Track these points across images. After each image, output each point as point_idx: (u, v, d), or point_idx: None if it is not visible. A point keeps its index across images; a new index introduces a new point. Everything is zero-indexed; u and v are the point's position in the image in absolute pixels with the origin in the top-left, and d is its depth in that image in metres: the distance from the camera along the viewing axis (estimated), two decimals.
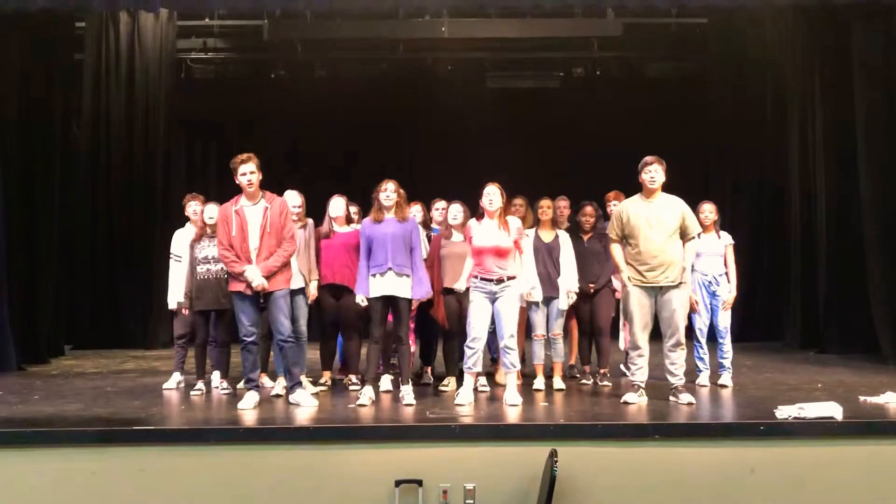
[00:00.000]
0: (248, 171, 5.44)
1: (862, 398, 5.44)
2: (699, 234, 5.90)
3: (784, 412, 4.77)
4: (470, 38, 10.55)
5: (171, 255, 6.58)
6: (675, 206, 5.53)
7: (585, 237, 6.44)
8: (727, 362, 6.27)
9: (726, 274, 6.30)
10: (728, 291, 6.26)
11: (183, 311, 6.30)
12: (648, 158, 5.57)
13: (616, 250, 5.65)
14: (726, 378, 6.23)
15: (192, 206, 6.48)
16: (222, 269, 5.87)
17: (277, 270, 5.43)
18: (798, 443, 4.65)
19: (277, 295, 5.46)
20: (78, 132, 10.10)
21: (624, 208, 5.64)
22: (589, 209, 6.50)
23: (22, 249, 8.22)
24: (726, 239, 6.34)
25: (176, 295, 6.42)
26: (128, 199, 10.06)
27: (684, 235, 5.53)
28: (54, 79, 8.78)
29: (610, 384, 6.28)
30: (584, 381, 6.46)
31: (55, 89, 8.80)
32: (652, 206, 5.51)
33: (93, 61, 10.12)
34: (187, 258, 6.23)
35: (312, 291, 6.10)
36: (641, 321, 5.49)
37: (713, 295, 6.27)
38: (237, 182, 5.50)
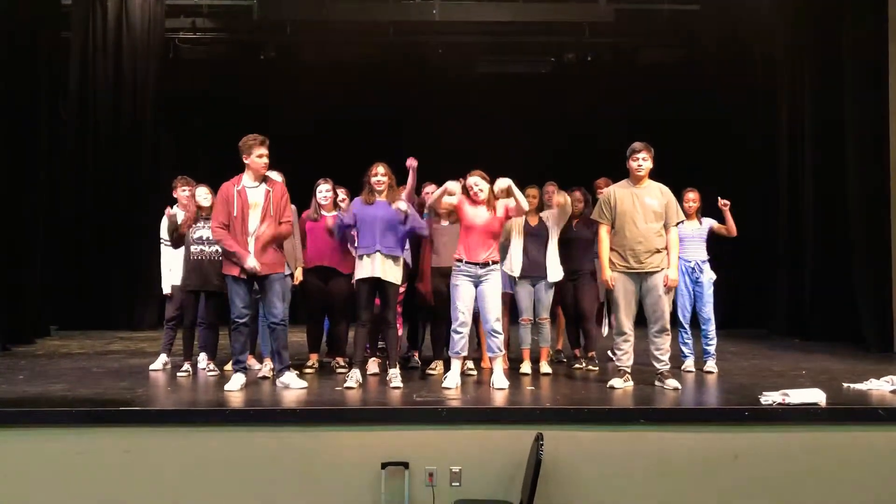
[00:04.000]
0: (264, 154, 5.37)
1: (845, 385, 5.49)
2: (682, 222, 5.92)
3: (768, 398, 4.81)
4: (462, 22, 10.50)
5: (161, 240, 6.56)
6: (661, 194, 5.53)
7: (574, 222, 6.44)
8: (711, 349, 6.32)
9: (724, 227, 6.34)
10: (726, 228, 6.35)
11: (169, 293, 6.29)
12: (636, 145, 5.55)
13: (604, 241, 5.58)
14: (711, 364, 6.28)
15: (182, 191, 6.45)
16: (216, 251, 5.85)
17: (271, 246, 5.39)
18: (782, 429, 4.68)
19: (273, 278, 5.44)
20: (64, 112, 10.01)
21: (612, 193, 5.62)
22: (577, 194, 6.50)
23: (8, 229, 8.15)
24: (708, 223, 6.42)
25: (170, 279, 6.42)
26: (115, 179, 10.00)
27: (665, 224, 5.53)
28: (40, 56, 8.68)
29: (597, 369, 6.31)
30: (577, 365, 6.48)
31: (41, 67, 8.71)
32: (639, 193, 5.51)
33: (80, 39, 10.03)
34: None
35: (298, 276, 6.16)
36: (626, 307, 5.50)
37: (696, 282, 6.31)
38: (247, 162, 5.38)
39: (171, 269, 6.44)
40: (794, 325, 9.01)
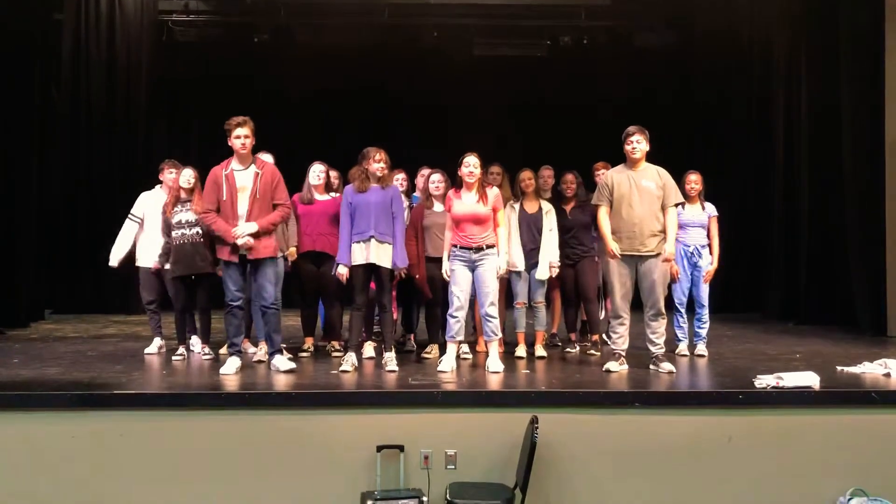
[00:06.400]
0: (242, 135, 5.37)
1: (839, 368, 5.50)
2: (683, 205, 5.92)
3: (762, 381, 4.83)
4: (457, 4, 10.43)
5: (129, 215, 6.50)
6: (659, 177, 5.53)
7: (568, 208, 6.41)
8: (703, 332, 6.34)
9: (709, 245, 6.33)
10: (709, 263, 6.30)
11: (154, 266, 6.26)
12: (631, 129, 5.54)
13: (604, 220, 5.56)
14: (701, 347, 6.30)
15: (168, 174, 6.41)
16: (197, 233, 5.85)
17: (266, 234, 5.40)
18: (775, 412, 4.71)
19: (265, 263, 5.43)
20: (56, 94, 9.94)
21: (609, 177, 5.63)
22: (569, 176, 6.47)
23: (1, 212, 8.11)
24: (710, 210, 6.37)
25: (118, 253, 6.43)
26: (108, 162, 9.94)
27: (662, 205, 5.52)
28: (32, 39, 8.59)
29: (599, 353, 6.26)
30: (567, 349, 6.49)
31: (33, 50, 8.62)
32: (636, 176, 5.51)
33: (72, 21, 9.93)
34: (147, 221, 6.35)
35: (292, 253, 6.14)
36: (622, 290, 5.50)
37: (695, 266, 6.31)
38: (230, 144, 5.41)
39: (125, 244, 6.41)
40: (788, 309, 9.03)
